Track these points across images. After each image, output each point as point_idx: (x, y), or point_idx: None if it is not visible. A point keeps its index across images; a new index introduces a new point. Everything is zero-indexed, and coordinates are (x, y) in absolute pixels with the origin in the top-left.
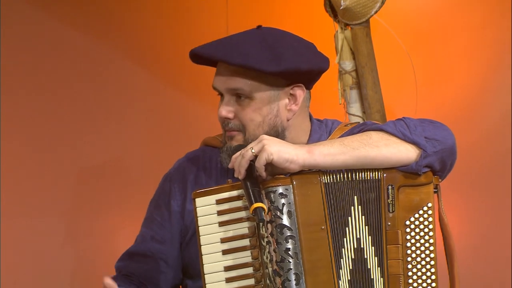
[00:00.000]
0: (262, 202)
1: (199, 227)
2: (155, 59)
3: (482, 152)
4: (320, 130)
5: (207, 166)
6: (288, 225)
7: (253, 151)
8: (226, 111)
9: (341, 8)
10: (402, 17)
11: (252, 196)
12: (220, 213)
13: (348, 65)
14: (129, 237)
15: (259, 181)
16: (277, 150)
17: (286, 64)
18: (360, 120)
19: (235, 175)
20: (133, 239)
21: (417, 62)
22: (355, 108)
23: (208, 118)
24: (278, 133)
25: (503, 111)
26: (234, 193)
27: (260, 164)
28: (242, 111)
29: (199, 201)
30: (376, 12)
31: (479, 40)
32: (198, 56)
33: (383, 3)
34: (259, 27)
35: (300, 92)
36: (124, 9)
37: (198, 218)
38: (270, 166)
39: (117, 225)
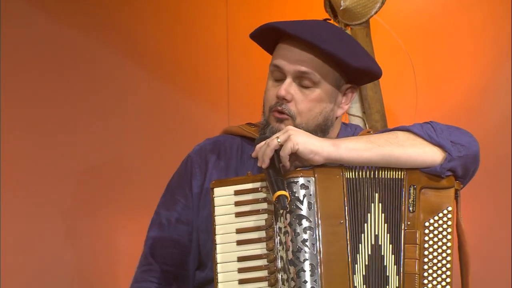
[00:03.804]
0: (285, 190)
1: (216, 217)
2: (155, 59)
3: (482, 153)
4: (346, 132)
5: (227, 151)
6: (307, 216)
7: (279, 140)
8: (286, 91)
9: (341, 8)
10: (402, 17)
11: (275, 184)
12: (237, 203)
13: None
14: (130, 237)
15: (282, 171)
16: (303, 141)
17: (362, 61)
18: (360, 120)
19: (259, 164)
20: (133, 239)
21: (417, 62)
22: (355, 108)
23: (207, 118)
24: (327, 127)
25: (503, 112)
26: (253, 185)
27: (285, 153)
28: (304, 99)
29: (217, 191)
30: (376, 12)
31: (480, 40)
32: (273, 32)
33: (383, 3)
34: (326, 20)
35: (352, 93)
36: (124, 9)
37: (215, 207)
38: (294, 156)
39: (117, 225)
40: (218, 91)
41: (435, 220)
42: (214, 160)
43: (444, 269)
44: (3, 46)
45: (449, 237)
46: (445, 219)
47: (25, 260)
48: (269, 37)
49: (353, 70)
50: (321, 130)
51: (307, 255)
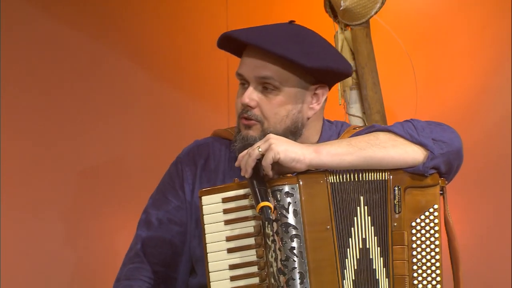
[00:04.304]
0: (268, 201)
1: (205, 225)
2: (155, 59)
3: (482, 153)
4: (330, 131)
5: (216, 154)
6: (294, 224)
7: (260, 150)
8: (249, 99)
9: (341, 8)
10: (402, 17)
11: (258, 195)
12: (226, 211)
13: None
14: (130, 237)
15: (266, 180)
16: (284, 149)
17: (320, 61)
18: (360, 120)
19: (242, 174)
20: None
21: (417, 62)
22: (355, 109)
23: (207, 118)
24: (298, 129)
25: (503, 112)
26: (241, 191)
27: (266, 163)
28: (268, 103)
29: (205, 199)
30: (376, 12)
31: (479, 40)
32: (232, 40)
33: (383, 3)
34: (291, 22)
35: (323, 92)
36: (124, 9)
37: (204, 216)
38: (277, 165)
39: (117, 225)
40: (218, 91)
41: (421, 219)
42: (203, 163)
43: (433, 268)
44: (3, 46)
45: (436, 235)
46: (431, 217)
47: (25, 260)
48: (233, 46)
49: (310, 70)
50: (291, 132)
51: (295, 264)
